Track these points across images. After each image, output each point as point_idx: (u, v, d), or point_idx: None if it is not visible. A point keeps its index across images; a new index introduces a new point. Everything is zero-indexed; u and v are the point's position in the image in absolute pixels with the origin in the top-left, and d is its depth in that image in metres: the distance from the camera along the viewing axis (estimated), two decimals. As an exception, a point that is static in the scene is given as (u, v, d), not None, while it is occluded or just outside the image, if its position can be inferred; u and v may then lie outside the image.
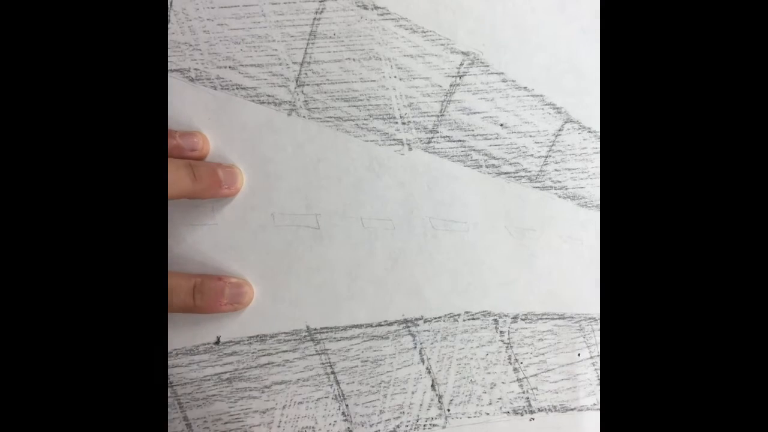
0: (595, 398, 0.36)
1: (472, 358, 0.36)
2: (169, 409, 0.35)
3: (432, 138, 0.36)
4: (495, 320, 0.36)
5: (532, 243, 0.36)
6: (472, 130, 0.36)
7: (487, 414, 0.36)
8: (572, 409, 0.36)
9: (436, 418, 0.36)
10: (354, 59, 0.35)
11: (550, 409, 0.36)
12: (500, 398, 0.36)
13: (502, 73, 0.36)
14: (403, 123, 0.36)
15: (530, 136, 0.36)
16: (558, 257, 0.36)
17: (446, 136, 0.36)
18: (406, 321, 0.36)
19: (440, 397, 0.36)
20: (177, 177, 0.32)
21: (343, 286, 0.36)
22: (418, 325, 0.36)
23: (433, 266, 0.36)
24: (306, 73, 0.35)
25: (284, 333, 0.35)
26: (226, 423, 0.35)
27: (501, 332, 0.36)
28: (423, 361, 0.36)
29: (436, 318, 0.36)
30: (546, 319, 0.36)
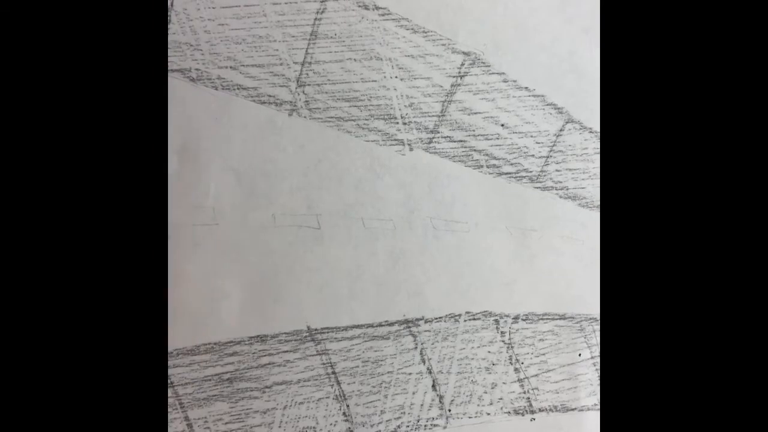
0: (596, 398, 0.36)
1: (473, 359, 0.36)
2: (170, 409, 0.35)
3: (433, 138, 0.36)
4: (496, 320, 0.36)
5: (533, 243, 0.36)
6: (473, 131, 0.36)
7: (488, 414, 0.36)
8: (573, 409, 0.36)
9: (437, 419, 0.36)
10: (355, 59, 0.35)
11: (551, 409, 0.36)
12: (501, 398, 0.36)
13: (503, 74, 0.36)
14: (404, 123, 0.36)
15: (531, 136, 0.36)
16: (559, 257, 0.36)
17: (447, 137, 0.36)
18: (407, 321, 0.36)
19: (441, 397, 0.36)
20: None
21: (344, 287, 0.36)
22: (419, 326, 0.36)
23: (434, 266, 0.36)
24: (307, 74, 0.35)
25: (285, 333, 0.35)
26: (227, 423, 0.35)
27: (502, 332, 0.36)
28: (424, 362, 0.36)
29: (437, 318, 0.36)
30: (547, 319, 0.36)
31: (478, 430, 0.36)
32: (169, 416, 0.35)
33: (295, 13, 0.35)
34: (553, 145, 0.36)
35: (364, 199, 0.35)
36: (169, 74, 0.34)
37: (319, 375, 0.35)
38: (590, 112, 0.36)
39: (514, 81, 0.36)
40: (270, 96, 0.35)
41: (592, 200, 0.36)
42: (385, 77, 0.35)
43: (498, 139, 0.36)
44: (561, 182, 0.36)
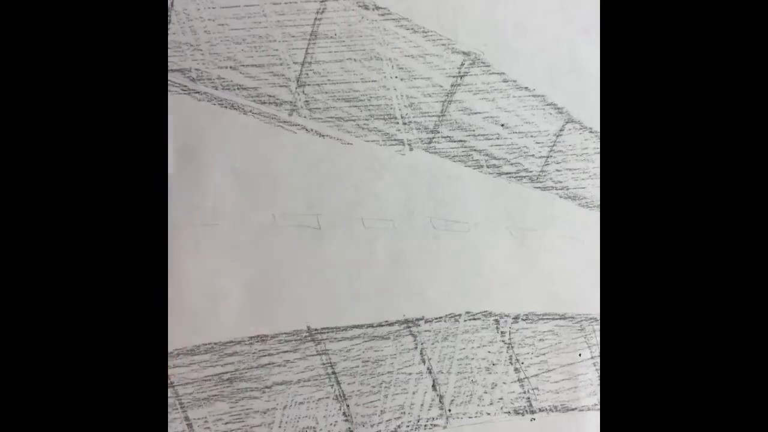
0: (596, 398, 0.36)
1: (473, 359, 0.36)
2: (170, 409, 0.35)
3: (433, 138, 0.36)
4: (496, 320, 0.36)
5: (533, 243, 0.36)
6: (473, 131, 0.36)
7: (488, 414, 0.36)
8: (573, 409, 0.36)
9: (437, 419, 0.36)
10: (355, 59, 0.35)
11: (551, 409, 0.36)
12: (501, 398, 0.36)
13: (503, 74, 0.36)
14: (404, 123, 0.36)
15: (531, 136, 0.36)
16: (559, 257, 0.36)
17: (447, 137, 0.36)
18: (407, 321, 0.36)
19: (441, 397, 0.36)
20: None
21: (344, 287, 0.36)
22: (419, 326, 0.36)
23: (434, 266, 0.36)
24: (307, 74, 0.35)
25: (285, 333, 0.35)
26: (227, 423, 0.35)
27: (502, 332, 0.36)
28: (424, 362, 0.36)
29: (437, 318, 0.36)
30: (547, 319, 0.36)
31: (478, 430, 0.36)
32: (169, 416, 0.35)
33: (295, 13, 0.35)
34: (553, 145, 0.36)
35: (364, 199, 0.35)
36: (169, 74, 0.34)
37: (319, 375, 0.35)
38: (590, 112, 0.36)
39: (514, 81, 0.36)
40: (270, 96, 0.35)
41: (592, 200, 0.36)
42: (385, 77, 0.35)
43: (498, 139, 0.36)
44: (561, 182, 0.36)
